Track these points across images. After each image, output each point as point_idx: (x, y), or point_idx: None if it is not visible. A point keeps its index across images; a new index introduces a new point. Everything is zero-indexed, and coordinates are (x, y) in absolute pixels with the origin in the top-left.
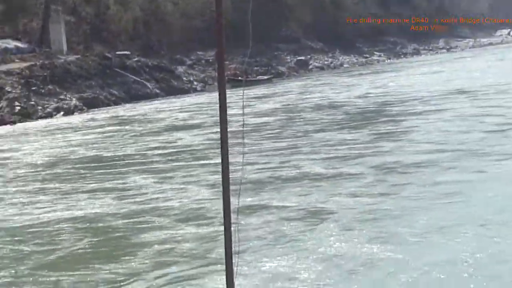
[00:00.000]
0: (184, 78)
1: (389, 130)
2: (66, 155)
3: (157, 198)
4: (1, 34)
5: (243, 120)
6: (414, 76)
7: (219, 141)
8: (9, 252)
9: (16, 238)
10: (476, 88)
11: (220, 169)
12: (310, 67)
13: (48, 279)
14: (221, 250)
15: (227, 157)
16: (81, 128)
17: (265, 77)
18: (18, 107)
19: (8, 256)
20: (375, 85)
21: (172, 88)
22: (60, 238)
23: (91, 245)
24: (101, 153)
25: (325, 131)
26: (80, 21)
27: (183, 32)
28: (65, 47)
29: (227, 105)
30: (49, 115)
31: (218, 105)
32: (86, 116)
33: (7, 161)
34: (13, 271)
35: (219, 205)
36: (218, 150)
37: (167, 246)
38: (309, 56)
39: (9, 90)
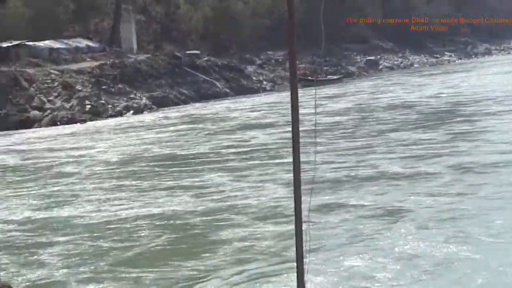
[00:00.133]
0: (254, 78)
1: (464, 130)
2: (140, 153)
3: (234, 196)
4: (72, 34)
5: (315, 120)
6: (486, 76)
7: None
8: (88, 248)
9: (95, 235)
10: None
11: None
12: (380, 67)
13: (127, 276)
14: (307, 247)
15: (299, 156)
16: (153, 127)
17: (335, 76)
18: (89, 106)
19: (87, 252)
20: (446, 85)
21: (242, 87)
22: (138, 234)
23: (170, 242)
24: (175, 151)
25: (399, 131)
26: (150, 21)
27: (253, 31)
28: (135, 46)
29: (299, 104)
30: (119, 114)
31: (289, 104)
32: (157, 114)
33: (82, 158)
34: (92, 267)
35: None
36: (291, 149)
37: (246, 243)
38: (379, 56)
39: (79, 88)
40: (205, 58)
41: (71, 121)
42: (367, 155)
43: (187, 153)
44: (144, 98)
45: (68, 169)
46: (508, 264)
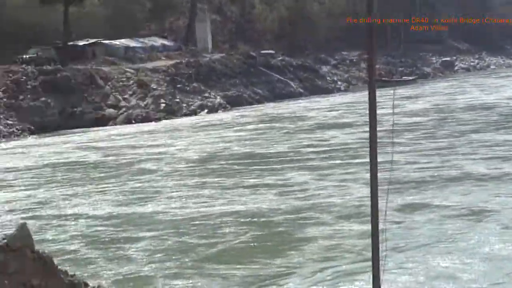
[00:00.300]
0: (328, 78)
1: None
2: (220, 151)
3: (318, 195)
4: (148, 32)
5: (393, 120)
6: None
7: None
8: (173, 244)
9: (179, 231)
10: None
11: (380, 168)
12: (456, 68)
13: (213, 272)
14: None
15: (376, 156)
16: (231, 125)
17: (411, 77)
18: (163, 104)
19: (172, 248)
20: None
21: (316, 87)
22: (223, 231)
23: (255, 239)
24: (255, 149)
25: (481, 132)
26: (225, 20)
27: (328, 31)
28: (210, 46)
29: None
30: (193, 113)
31: (366, 104)
32: (232, 113)
33: (162, 155)
34: (178, 263)
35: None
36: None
37: (331, 242)
38: (454, 57)
39: (154, 87)
40: (280, 58)
41: (145, 119)
42: (450, 156)
43: (266, 151)
44: (218, 97)
45: (149, 165)
46: None
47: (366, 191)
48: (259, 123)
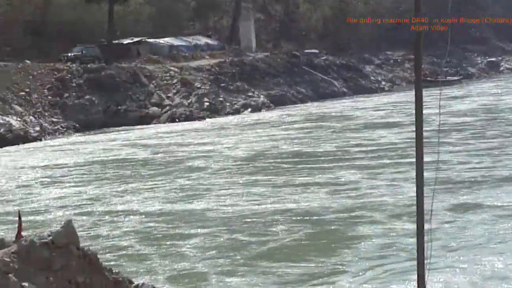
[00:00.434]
0: (372, 78)
1: None
2: (268, 149)
3: (369, 194)
4: (192, 31)
5: (439, 120)
6: None
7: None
8: (225, 241)
9: (231, 228)
10: None
11: (428, 167)
12: (501, 68)
13: (266, 270)
14: (434, 247)
15: (422, 156)
16: (276, 124)
17: (456, 78)
18: (207, 103)
19: (224, 245)
20: None
21: (360, 87)
22: (274, 229)
23: (307, 237)
24: (303, 148)
25: None
26: (269, 19)
27: (372, 30)
28: (254, 45)
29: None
30: (237, 112)
31: (412, 104)
32: (276, 112)
33: (211, 153)
34: (230, 260)
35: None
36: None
37: (384, 240)
38: (500, 58)
39: (198, 86)
40: (323, 57)
41: (189, 118)
42: (502, 156)
43: (315, 150)
44: (262, 96)
45: (198, 163)
46: None
47: None
48: (305, 122)
